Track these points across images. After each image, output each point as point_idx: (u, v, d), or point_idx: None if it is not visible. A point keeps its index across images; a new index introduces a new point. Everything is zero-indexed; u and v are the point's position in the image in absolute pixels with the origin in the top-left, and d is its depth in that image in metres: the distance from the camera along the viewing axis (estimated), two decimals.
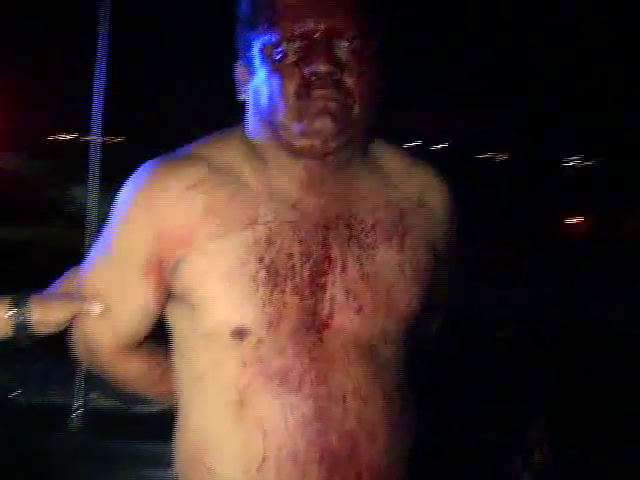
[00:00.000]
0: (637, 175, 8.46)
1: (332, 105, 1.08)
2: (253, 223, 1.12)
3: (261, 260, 1.11)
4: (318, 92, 1.08)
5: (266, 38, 1.10)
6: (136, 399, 1.56)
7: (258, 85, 1.12)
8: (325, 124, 1.08)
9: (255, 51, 1.12)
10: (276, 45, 1.09)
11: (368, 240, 1.17)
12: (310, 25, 1.08)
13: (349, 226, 1.16)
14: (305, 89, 1.08)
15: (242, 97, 1.18)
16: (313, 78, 1.08)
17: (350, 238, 1.16)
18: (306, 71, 1.08)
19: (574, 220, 8.61)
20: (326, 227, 1.15)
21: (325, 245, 1.14)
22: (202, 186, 1.13)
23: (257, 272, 1.11)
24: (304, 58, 1.08)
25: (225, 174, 1.14)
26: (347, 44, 1.09)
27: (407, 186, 1.23)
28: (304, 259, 1.13)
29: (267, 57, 1.10)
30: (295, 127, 1.09)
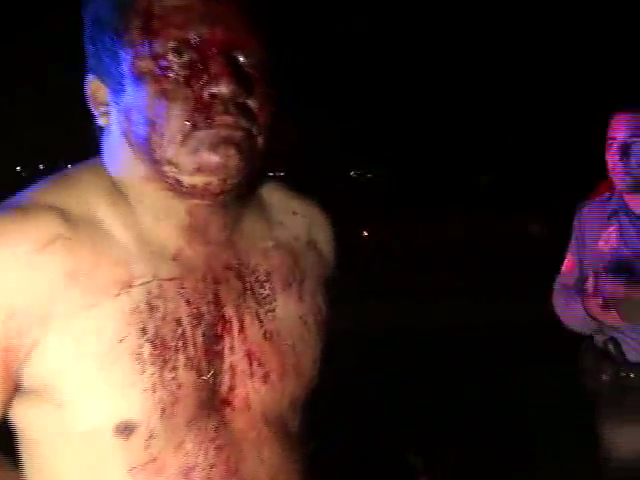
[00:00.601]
0: (418, 186, 8.93)
1: (237, 134, 0.87)
2: (127, 286, 0.88)
3: (143, 332, 0.87)
4: (221, 119, 0.86)
5: (142, 48, 0.86)
6: None
7: (129, 108, 0.88)
8: (229, 157, 0.86)
9: (124, 64, 0.88)
10: (158, 57, 0.86)
11: (265, 291, 0.97)
12: (205, 33, 0.86)
13: (241, 277, 0.96)
14: (202, 114, 0.86)
15: (100, 122, 0.93)
16: (213, 101, 0.86)
17: (244, 291, 0.96)
18: (204, 92, 0.86)
19: (365, 232, 8.89)
20: (215, 281, 0.94)
21: (217, 303, 0.93)
22: (57, 245, 0.86)
23: (140, 348, 0.87)
24: (199, 75, 0.86)
25: (85, 226, 0.89)
26: (250, 60, 0.89)
27: (295, 225, 1.04)
28: (195, 323, 0.91)
29: (144, 73, 0.86)
30: (187, 161, 0.87)
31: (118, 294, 0.87)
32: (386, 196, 9.52)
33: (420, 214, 9.57)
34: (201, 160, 0.87)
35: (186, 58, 0.86)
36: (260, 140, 0.90)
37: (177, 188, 0.89)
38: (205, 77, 0.86)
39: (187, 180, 0.88)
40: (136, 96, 0.87)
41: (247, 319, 0.95)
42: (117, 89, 0.89)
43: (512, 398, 4.38)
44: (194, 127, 0.86)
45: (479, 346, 5.56)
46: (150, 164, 0.89)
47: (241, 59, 0.88)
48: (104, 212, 0.90)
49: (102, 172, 0.93)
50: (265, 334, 0.95)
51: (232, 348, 0.93)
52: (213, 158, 0.86)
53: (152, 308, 0.88)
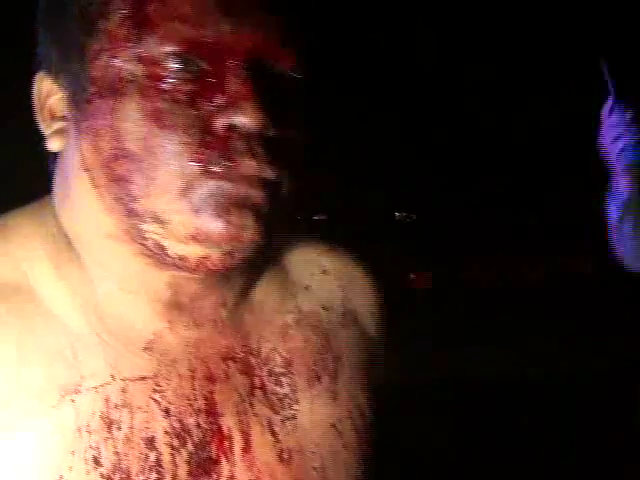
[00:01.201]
0: (464, 227, 8.61)
1: (259, 193, 0.58)
2: (73, 392, 0.59)
3: (96, 463, 0.59)
4: (243, 163, 0.58)
5: (128, 44, 0.58)
6: None
7: (98, 130, 0.60)
8: (242, 227, 0.58)
9: (95, 63, 0.60)
10: (151, 62, 0.58)
11: (282, 390, 0.68)
12: (226, 32, 0.58)
13: (248, 371, 0.67)
14: (217, 154, 0.58)
15: (51, 145, 0.64)
16: (230, 135, 0.58)
17: (252, 392, 0.66)
18: (217, 121, 0.58)
19: (415, 275, 8.60)
20: (208, 378, 0.65)
21: (210, 412, 0.64)
22: None
23: None
24: (210, 95, 0.58)
25: (11, 300, 0.61)
26: (284, 78, 0.61)
27: (325, 290, 0.74)
28: (177, 444, 0.62)
29: (127, 80, 0.58)
30: (182, 223, 0.58)
31: (57, 405, 0.59)
32: (432, 238, 9.21)
33: (467, 256, 9.24)
34: (201, 226, 0.58)
35: (193, 68, 0.58)
36: (284, 190, 0.61)
37: (157, 255, 0.60)
38: (219, 99, 0.58)
39: (175, 249, 0.59)
40: (111, 113, 0.59)
41: (255, 433, 0.65)
42: (81, 99, 0.60)
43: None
44: (204, 172, 0.58)
45: (534, 396, 5.22)
46: (123, 216, 0.60)
47: (275, 78, 0.60)
48: (44, 279, 0.62)
49: (48, 220, 0.65)
50: (281, 454, 0.66)
51: (232, 478, 0.63)
52: (219, 226, 0.58)
53: (110, 424, 0.60)
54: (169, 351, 0.63)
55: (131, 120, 0.58)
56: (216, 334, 0.66)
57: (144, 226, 0.59)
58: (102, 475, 0.58)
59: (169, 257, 0.60)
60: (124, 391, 0.61)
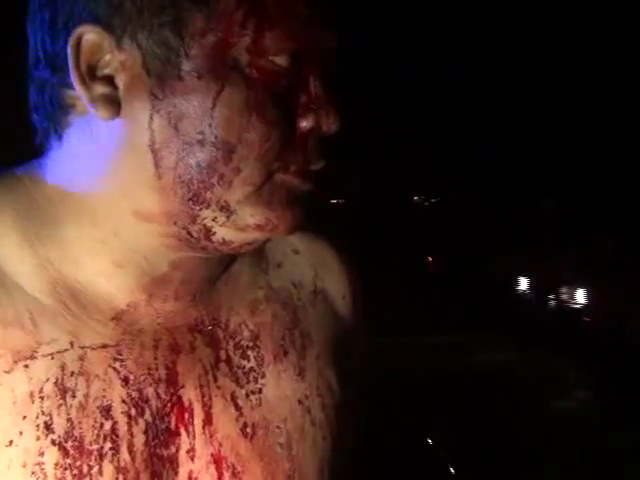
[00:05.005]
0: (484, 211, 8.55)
1: (310, 186, 0.62)
2: (26, 357, 0.58)
3: (48, 429, 0.57)
4: (316, 164, 0.62)
5: (244, 33, 0.56)
6: None
7: (189, 110, 0.57)
8: (295, 216, 0.62)
9: (201, 43, 0.56)
10: (261, 55, 0.57)
11: (247, 364, 0.67)
12: (323, 35, 0.60)
13: (214, 343, 0.66)
14: (296, 154, 0.60)
15: (99, 113, 0.57)
16: (309, 135, 0.60)
17: (216, 364, 0.65)
18: (303, 122, 0.60)
19: (430, 258, 8.58)
20: (172, 349, 0.64)
21: (171, 382, 0.63)
22: None
23: (41, 455, 0.57)
24: (298, 93, 0.60)
25: None
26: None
27: (296, 268, 0.74)
28: (134, 413, 0.61)
29: (232, 68, 0.57)
30: (251, 214, 0.60)
31: (10, 370, 0.57)
32: (451, 221, 9.17)
33: (485, 240, 9.18)
34: (273, 218, 0.60)
35: (294, 67, 0.59)
36: None
37: (192, 239, 0.60)
38: (303, 98, 0.60)
39: (224, 234, 0.60)
40: (213, 98, 0.56)
41: (217, 406, 0.64)
42: (168, 73, 0.56)
43: None
44: (282, 168, 0.59)
45: None
46: (182, 199, 0.58)
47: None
48: (6, 249, 0.60)
49: (20, 193, 0.62)
50: (244, 428, 0.64)
51: (192, 451, 0.62)
52: (287, 219, 0.61)
53: (65, 391, 0.58)
54: (137, 321, 0.62)
55: (234, 109, 0.56)
56: (190, 307, 0.65)
57: (205, 212, 0.58)
58: (53, 442, 0.57)
59: (208, 241, 0.60)
60: (82, 359, 0.59)
